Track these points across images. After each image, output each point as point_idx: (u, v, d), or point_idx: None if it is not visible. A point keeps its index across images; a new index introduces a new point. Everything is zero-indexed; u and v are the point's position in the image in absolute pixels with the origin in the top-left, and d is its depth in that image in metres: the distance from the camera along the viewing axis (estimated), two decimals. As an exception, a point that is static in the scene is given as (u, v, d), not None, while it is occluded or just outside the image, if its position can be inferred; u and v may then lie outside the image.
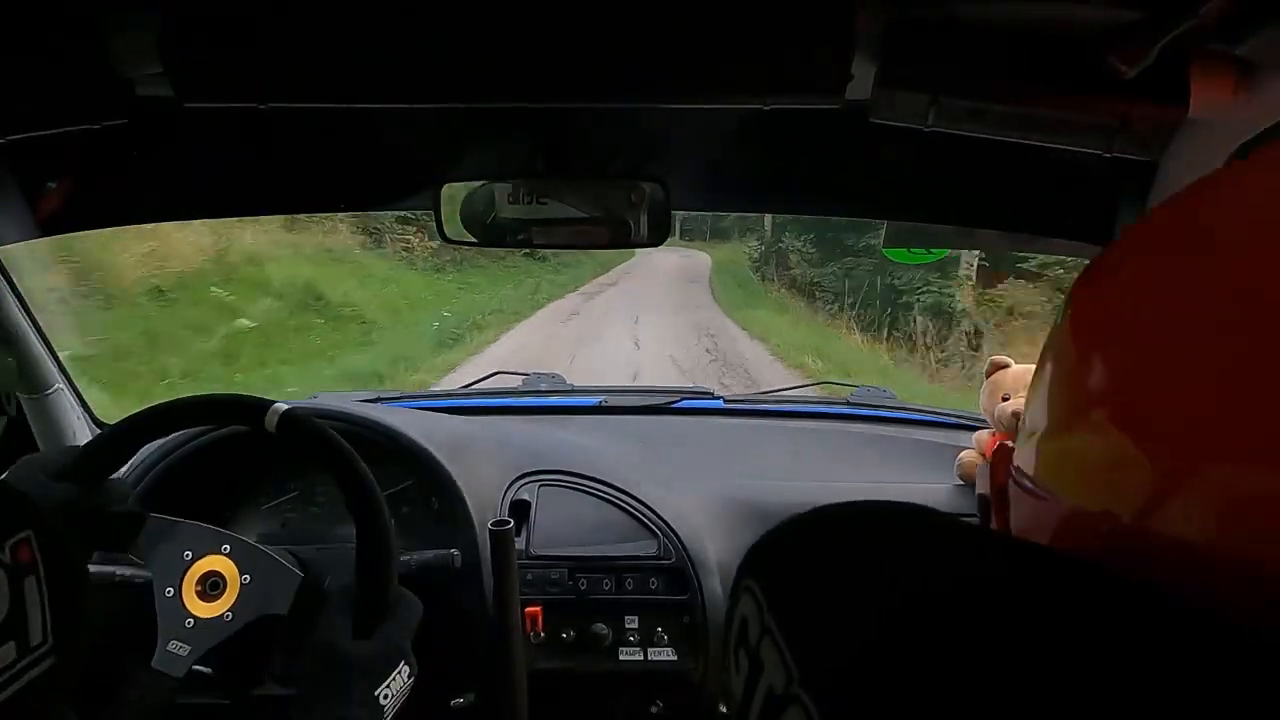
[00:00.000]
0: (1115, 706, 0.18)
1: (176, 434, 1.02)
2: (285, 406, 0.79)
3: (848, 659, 0.22)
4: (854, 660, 0.22)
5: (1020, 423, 0.34)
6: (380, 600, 0.76)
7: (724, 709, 1.04)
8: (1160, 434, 0.22)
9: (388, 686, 0.71)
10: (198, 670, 0.79)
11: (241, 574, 0.80)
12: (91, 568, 0.76)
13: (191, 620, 0.78)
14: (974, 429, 1.22)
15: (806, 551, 0.28)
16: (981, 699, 0.19)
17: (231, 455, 1.05)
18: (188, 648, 0.78)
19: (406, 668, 0.74)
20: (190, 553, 0.81)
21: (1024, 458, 0.31)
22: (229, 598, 0.79)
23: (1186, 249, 0.24)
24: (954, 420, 1.39)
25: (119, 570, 0.79)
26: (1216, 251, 0.23)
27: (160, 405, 0.82)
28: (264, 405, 0.79)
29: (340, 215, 7.91)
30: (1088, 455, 0.26)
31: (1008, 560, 0.24)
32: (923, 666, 0.21)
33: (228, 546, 0.81)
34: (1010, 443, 0.36)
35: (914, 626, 0.22)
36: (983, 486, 0.39)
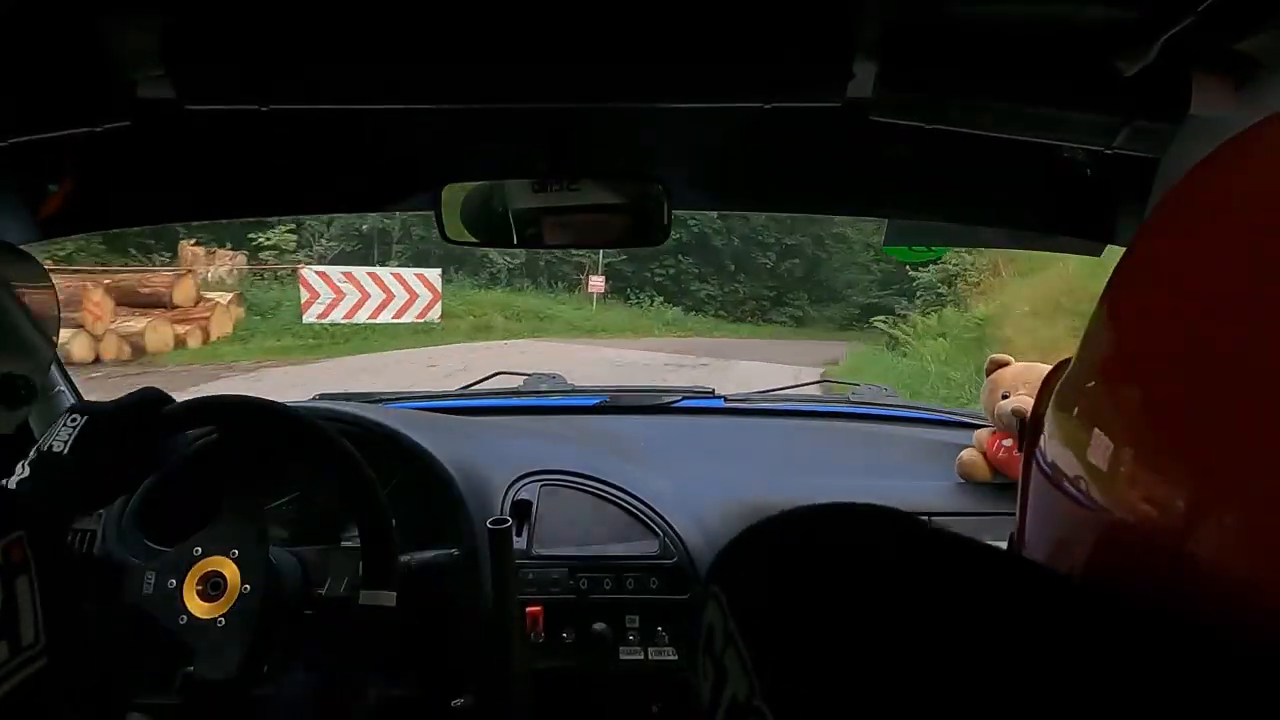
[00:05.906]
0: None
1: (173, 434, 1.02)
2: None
3: (808, 674, 0.22)
4: (814, 675, 0.22)
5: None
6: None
7: None
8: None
9: None
10: (192, 672, 0.79)
11: (243, 583, 0.79)
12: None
13: (185, 617, 0.78)
14: (974, 427, 1.22)
15: (769, 560, 0.27)
16: (947, 715, 0.19)
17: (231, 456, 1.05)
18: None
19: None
20: (200, 549, 0.80)
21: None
22: (225, 603, 0.79)
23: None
24: (954, 419, 1.39)
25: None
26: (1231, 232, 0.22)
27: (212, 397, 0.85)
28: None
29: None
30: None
31: (978, 571, 0.24)
32: (885, 683, 0.20)
33: (236, 551, 0.81)
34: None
35: (878, 642, 0.21)
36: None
